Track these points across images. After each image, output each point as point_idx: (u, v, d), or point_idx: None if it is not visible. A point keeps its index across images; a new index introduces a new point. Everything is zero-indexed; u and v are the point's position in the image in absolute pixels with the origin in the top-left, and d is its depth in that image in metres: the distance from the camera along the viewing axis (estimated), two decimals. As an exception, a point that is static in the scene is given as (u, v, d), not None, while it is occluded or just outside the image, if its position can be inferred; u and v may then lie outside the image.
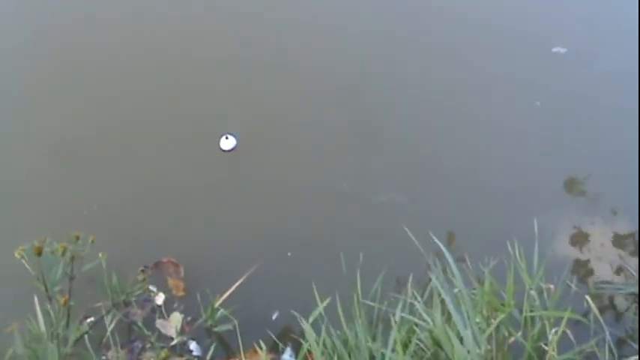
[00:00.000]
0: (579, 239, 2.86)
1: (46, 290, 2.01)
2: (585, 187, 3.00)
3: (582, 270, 2.77)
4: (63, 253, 2.00)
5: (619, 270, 2.73)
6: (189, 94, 3.29)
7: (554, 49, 3.40)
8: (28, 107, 3.24)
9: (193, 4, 3.68)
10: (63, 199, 2.91)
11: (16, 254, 1.93)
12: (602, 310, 2.49)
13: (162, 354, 2.21)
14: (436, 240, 2.17)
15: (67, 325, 2.03)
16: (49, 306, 2.05)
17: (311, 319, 2.02)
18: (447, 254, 2.10)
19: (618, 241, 2.84)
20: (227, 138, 3.06)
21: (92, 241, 2.01)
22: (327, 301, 2.10)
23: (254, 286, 2.57)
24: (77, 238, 1.96)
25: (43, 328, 2.08)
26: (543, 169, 3.05)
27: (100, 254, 2.10)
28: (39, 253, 1.90)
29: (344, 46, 3.47)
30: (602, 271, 2.76)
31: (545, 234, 2.66)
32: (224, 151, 3.06)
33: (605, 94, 3.24)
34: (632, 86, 3.21)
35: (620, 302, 2.59)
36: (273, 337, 2.42)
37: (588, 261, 2.79)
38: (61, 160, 3.04)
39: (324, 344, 2.11)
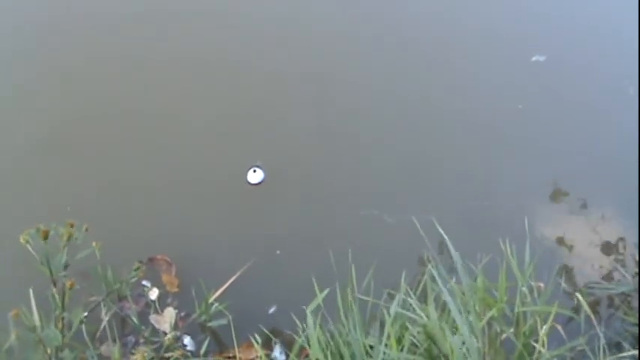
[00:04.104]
0: (567, 239, 2.90)
1: (52, 275, 1.99)
2: (573, 189, 3.03)
3: (570, 269, 2.81)
4: (68, 239, 1.97)
5: (604, 269, 2.78)
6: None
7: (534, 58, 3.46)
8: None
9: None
10: (52, 194, 2.90)
11: (21, 239, 1.92)
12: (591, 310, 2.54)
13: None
14: (440, 230, 2.19)
15: (64, 311, 2.03)
16: (54, 290, 2.03)
17: (309, 309, 2.03)
18: (449, 245, 2.13)
19: (606, 241, 2.88)
20: (255, 171, 2.90)
21: (86, 229, 1.99)
22: (326, 292, 2.12)
23: (247, 283, 2.58)
24: (72, 225, 1.95)
25: (36, 317, 2.08)
26: (531, 168, 3.08)
27: (94, 243, 2.08)
28: (45, 237, 1.89)
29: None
30: (590, 271, 2.81)
31: (533, 233, 2.71)
32: (251, 184, 2.92)
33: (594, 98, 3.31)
34: (617, 87, 3.30)
35: (607, 303, 2.63)
36: (267, 331, 2.42)
37: (577, 260, 2.83)
38: (53, 157, 3.02)
39: (318, 339, 2.12)
